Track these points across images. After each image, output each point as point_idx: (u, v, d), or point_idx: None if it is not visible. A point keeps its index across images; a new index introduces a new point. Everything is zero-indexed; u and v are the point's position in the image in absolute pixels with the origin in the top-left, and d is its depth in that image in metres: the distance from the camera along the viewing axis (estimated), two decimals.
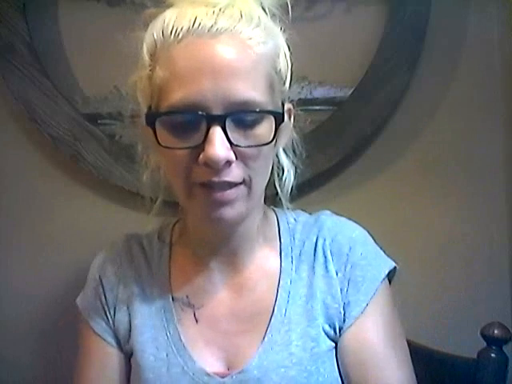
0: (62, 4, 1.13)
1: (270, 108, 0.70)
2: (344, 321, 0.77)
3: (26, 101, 1.09)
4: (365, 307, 0.76)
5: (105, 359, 0.82)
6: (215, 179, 0.68)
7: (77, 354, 0.85)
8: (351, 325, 0.76)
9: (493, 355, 0.85)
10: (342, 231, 0.81)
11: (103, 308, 0.83)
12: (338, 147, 1.06)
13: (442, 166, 1.10)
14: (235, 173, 0.69)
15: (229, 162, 0.68)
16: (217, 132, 0.67)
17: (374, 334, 0.76)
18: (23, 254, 1.16)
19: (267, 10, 0.74)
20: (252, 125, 0.69)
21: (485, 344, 0.86)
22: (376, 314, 0.77)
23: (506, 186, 1.09)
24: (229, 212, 0.70)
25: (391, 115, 1.08)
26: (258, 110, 0.69)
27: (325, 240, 0.80)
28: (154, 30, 0.71)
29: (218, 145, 0.66)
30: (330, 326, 0.77)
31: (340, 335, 0.77)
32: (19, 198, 1.16)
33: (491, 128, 1.09)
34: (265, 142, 0.70)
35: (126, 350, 0.82)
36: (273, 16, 0.75)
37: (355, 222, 0.84)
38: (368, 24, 1.07)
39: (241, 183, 0.70)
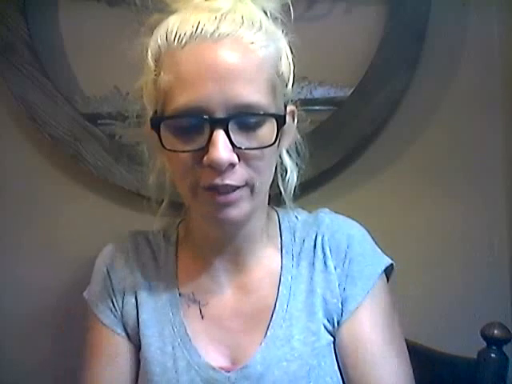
0: (61, 4, 1.13)
1: (272, 111, 0.71)
2: (341, 315, 0.78)
3: (25, 101, 1.09)
4: (361, 301, 0.77)
5: (115, 350, 0.82)
6: (218, 182, 0.69)
7: (83, 349, 0.84)
8: (347, 319, 0.77)
9: (493, 355, 0.85)
10: (340, 228, 0.82)
11: (111, 300, 0.83)
12: (337, 147, 1.06)
13: (442, 165, 1.10)
14: (238, 175, 0.70)
15: (232, 165, 0.69)
16: (220, 135, 0.67)
17: (370, 329, 0.77)
18: (23, 253, 1.16)
19: (269, 14, 0.75)
20: (254, 127, 0.70)
21: (485, 344, 0.86)
22: (372, 309, 0.78)
23: (505, 186, 1.09)
24: (233, 212, 0.71)
25: (391, 115, 1.08)
26: (260, 112, 0.69)
27: (323, 236, 0.81)
28: (159, 36, 0.72)
29: (221, 147, 0.67)
30: (328, 320, 0.78)
31: (336, 329, 0.78)
32: (19, 198, 1.16)
33: (491, 128, 1.09)
34: (267, 144, 0.70)
35: (134, 342, 0.82)
36: (275, 19, 0.75)
37: (355, 220, 0.84)
38: (368, 24, 1.07)
39: (244, 186, 0.71)
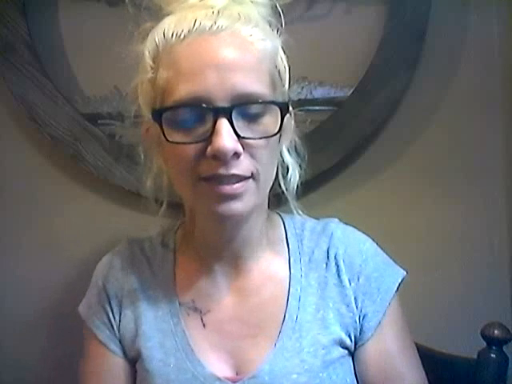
0: (61, 4, 1.13)
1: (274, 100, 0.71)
2: (362, 332, 0.78)
3: (25, 101, 1.09)
4: (382, 318, 0.78)
5: (109, 367, 0.82)
6: (223, 172, 0.68)
7: (80, 359, 0.85)
8: (371, 336, 0.77)
9: (493, 355, 0.85)
10: (352, 242, 0.81)
11: (107, 315, 0.82)
12: (337, 147, 1.06)
13: (442, 165, 1.10)
14: (243, 165, 0.69)
15: (236, 154, 0.68)
16: (224, 124, 0.67)
17: (392, 344, 0.78)
18: (23, 253, 1.16)
19: (263, 17, 0.75)
20: (257, 117, 0.70)
21: (485, 344, 0.86)
22: (391, 323, 0.79)
23: (505, 186, 1.09)
24: (237, 205, 0.70)
25: (391, 115, 1.08)
26: (263, 101, 0.69)
27: (337, 250, 0.80)
28: (156, 35, 0.72)
29: (226, 136, 0.67)
30: (346, 334, 0.77)
31: (358, 345, 0.78)
32: (19, 198, 1.16)
33: (491, 128, 1.09)
34: (271, 134, 0.70)
35: (131, 356, 0.81)
36: (268, 21, 0.75)
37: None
38: (368, 24, 1.07)
39: (249, 177, 0.70)
